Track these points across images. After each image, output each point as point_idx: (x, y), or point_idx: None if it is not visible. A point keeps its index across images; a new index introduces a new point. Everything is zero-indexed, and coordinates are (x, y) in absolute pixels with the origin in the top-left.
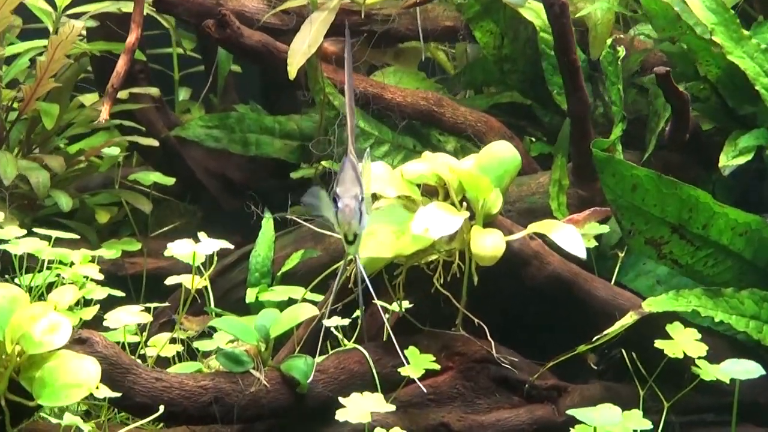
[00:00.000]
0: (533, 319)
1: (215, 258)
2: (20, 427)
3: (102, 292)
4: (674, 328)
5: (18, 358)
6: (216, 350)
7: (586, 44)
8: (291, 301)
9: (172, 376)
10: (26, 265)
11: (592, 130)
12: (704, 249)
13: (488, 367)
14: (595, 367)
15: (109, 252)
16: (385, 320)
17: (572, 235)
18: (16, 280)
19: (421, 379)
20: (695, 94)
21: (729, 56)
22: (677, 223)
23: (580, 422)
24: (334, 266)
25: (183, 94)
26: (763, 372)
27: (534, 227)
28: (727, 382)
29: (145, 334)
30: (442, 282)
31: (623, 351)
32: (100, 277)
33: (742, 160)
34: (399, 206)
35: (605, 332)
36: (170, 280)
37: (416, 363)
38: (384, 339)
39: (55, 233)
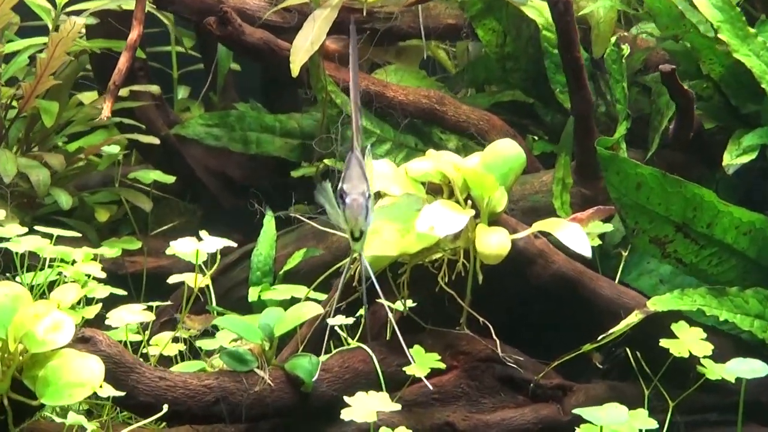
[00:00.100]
0: (537, 318)
1: (218, 256)
2: (22, 426)
3: (104, 291)
4: (679, 327)
5: (21, 357)
6: (219, 349)
7: (588, 43)
8: (293, 300)
9: (176, 375)
10: (27, 263)
11: (595, 129)
12: (708, 248)
13: (493, 366)
14: (601, 366)
15: (110, 251)
16: (392, 319)
17: (577, 234)
18: (17, 279)
19: (426, 378)
20: (698, 93)
21: (735, 54)
22: (681, 221)
23: (585, 421)
24: (338, 265)
25: (182, 92)
26: None
27: (539, 226)
28: (733, 381)
29: (147, 332)
30: (446, 281)
31: (627, 350)
32: (103, 275)
33: (746, 158)
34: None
35: (610, 331)
36: (172, 279)
37: (422, 362)
38: (387, 338)
39: (57, 231)
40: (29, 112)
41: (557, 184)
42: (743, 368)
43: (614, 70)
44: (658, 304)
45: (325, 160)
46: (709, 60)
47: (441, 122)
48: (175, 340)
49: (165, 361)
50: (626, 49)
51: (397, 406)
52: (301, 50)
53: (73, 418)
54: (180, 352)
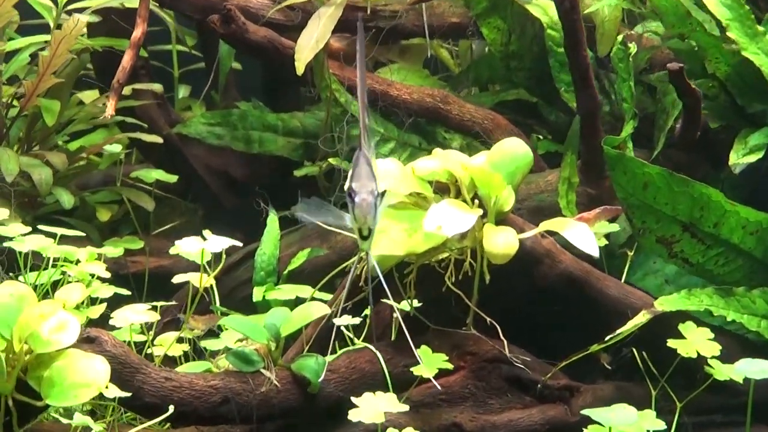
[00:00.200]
0: (544, 318)
1: (223, 256)
2: (27, 427)
3: (108, 291)
4: (687, 328)
5: (26, 357)
6: (224, 349)
7: (592, 41)
8: (298, 300)
9: (182, 375)
10: (30, 263)
11: (601, 128)
12: (715, 248)
13: (500, 366)
14: (609, 367)
15: (114, 250)
16: (399, 319)
17: (585, 234)
18: (20, 278)
19: (433, 378)
20: (704, 92)
21: (744, 52)
22: (688, 221)
23: (593, 422)
24: (343, 264)
25: (183, 91)
26: None
27: (546, 225)
28: (741, 382)
29: (151, 333)
30: (453, 280)
31: (634, 350)
32: (107, 275)
33: (752, 158)
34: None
35: (618, 331)
36: (177, 279)
37: (429, 362)
38: (392, 338)
39: (60, 231)
40: (30, 110)
41: (563, 184)
42: (752, 369)
43: (621, 69)
44: (665, 304)
45: (330, 159)
46: (715, 59)
47: (445, 121)
48: (180, 340)
49: (169, 361)
50: (633, 47)
51: (405, 407)
52: (306, 48)
53: (79, 419)
54: (184, 352)
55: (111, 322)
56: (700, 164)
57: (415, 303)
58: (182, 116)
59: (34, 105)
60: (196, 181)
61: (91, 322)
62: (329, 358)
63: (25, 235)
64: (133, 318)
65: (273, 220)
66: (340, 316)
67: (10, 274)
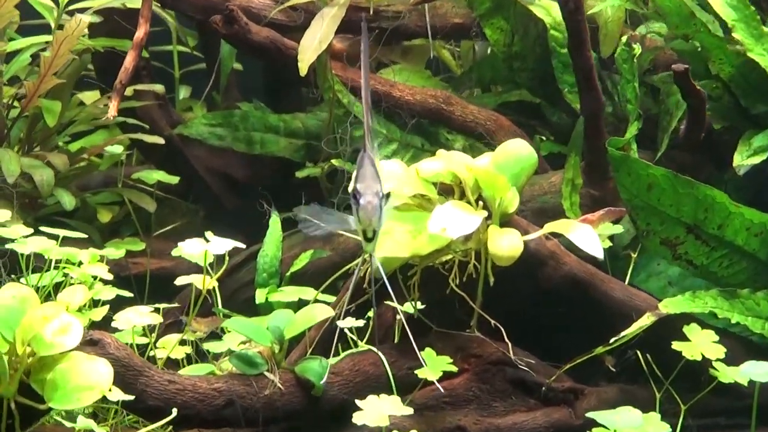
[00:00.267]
0: (548, 320)
1: (227, 258)
2: (29, 430)
3: (110, 293)
4: (692, 330)
5: (29, 360)
6: (227, 352)
7: (595, 42)
8: (301, 302)
9: (185, 378)
10: (32, 264)
11: (605, 129)
12: (719, 249)
13: (504, 369)
14: (614, 369)
15: (116, 252)
16: (404, 321)
17: (589, 235)
18: (22, 280)
19: (437, 381)
20: (707, 93)
21: (749, 53)
22: (693, 223)
23: (598, 425)
24: (347, 267)
25: (183, 92)
26: None
27: (550, 227)
28: (746, 384)
29: (154, 335)
30: (456, 282)
31: (638, 352)
32: (110, 277)
33: (757, 159)
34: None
35: (622, 334)
36: (180, 281)
37: (433, 365)
38: (395, 340)
39: (63, 232)
40: (31, 111)
41: (566, 185)
42: (757, 371)
43: (625, 70)
44: (669, 306)
45: (333, 161)
46: (719, 60)
47: (448, 122)
48: (182, 342)
49: (172, 363)
50: (638, 48)
51: (409, 410)
52: (309, 49)
53: (82, 423)
54: (187, 354)
55: (113, 324)
56: (704, 165)
57: (419, 305)
58: (183, 117)
59: (35, 106)
60: (197, 182)
61: (93, 325)
62: (332, 360)
63: (27, 236)
64: (136, 320)
65: (275, 221)
66: (344, 319)
67: (12, 276)
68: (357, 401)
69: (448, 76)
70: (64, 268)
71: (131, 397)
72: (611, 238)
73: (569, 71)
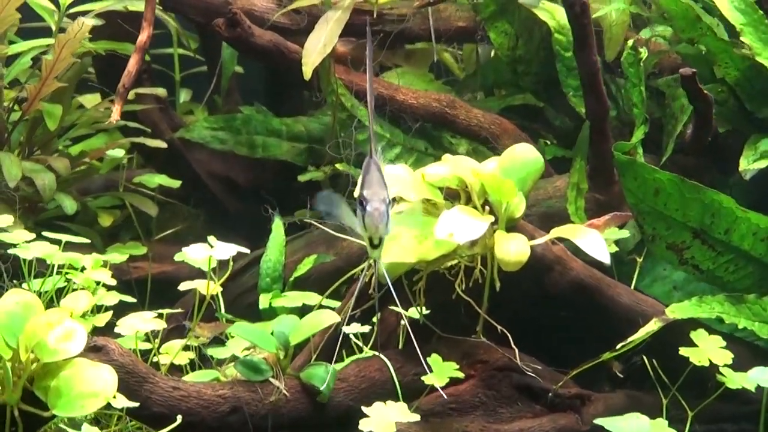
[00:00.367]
0: (555, 326)
1: (230, 263)
2: None
3: (113, 298)
4: (699, 336)
5: (32, 367)
6: (232, 358)
7: (599, 46)
8: (305, 308)
9: (190, 384)
10: (35, 270)
11: (610, 133)
12: (726, 254)
13: (511, 375)
14: (621, 375)
15: (118, 257)
16: (408, 327)
17: (596, 241)
18: (25, 285)
19: (443, 387)
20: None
21: (758, 57)
22: (699, 228)
23: (605, 431)
24: (351, 272)
25: (184, 95)
26: None
27: (557, 232)
28: (753, 390)
29: (157, 341)
30: (462, 288)
31: (644, 358)
32: (113, 282)
33: (763, 163)
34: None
35: (629, 339)
36: (184, 286)
37: (440, 371)
38: (400, 346)
39: (65, 237)
40: (32, 115)
41: (572, 190)
42: (764, 377)
43: (631, 74)
44: (676, 311)
45: (337, 164)
46: (725, 64)
47: (452, 126)
48: (186, 348)
49: (175, 369)
50: (644, 52)
51: (415, 417)
52: (313, 52)
53: (87, 430)
54: (190, 360)
55: (116, 329)
56: (708, 169)
57: (424, 310)
58: (184, 120)
59: (36, 109)
60: (198, 186)
61: (96, 330)
62: (337, 366)
63: (29, 242)
64: (140, 326)
65: (278, 225)
66: (349, 324)
67: (15, 281)
68: (363, 408)
69: (451, 79)
70: (66, 273)
71: (136, 404)
72: (617, 242)
73: (573, 75)
